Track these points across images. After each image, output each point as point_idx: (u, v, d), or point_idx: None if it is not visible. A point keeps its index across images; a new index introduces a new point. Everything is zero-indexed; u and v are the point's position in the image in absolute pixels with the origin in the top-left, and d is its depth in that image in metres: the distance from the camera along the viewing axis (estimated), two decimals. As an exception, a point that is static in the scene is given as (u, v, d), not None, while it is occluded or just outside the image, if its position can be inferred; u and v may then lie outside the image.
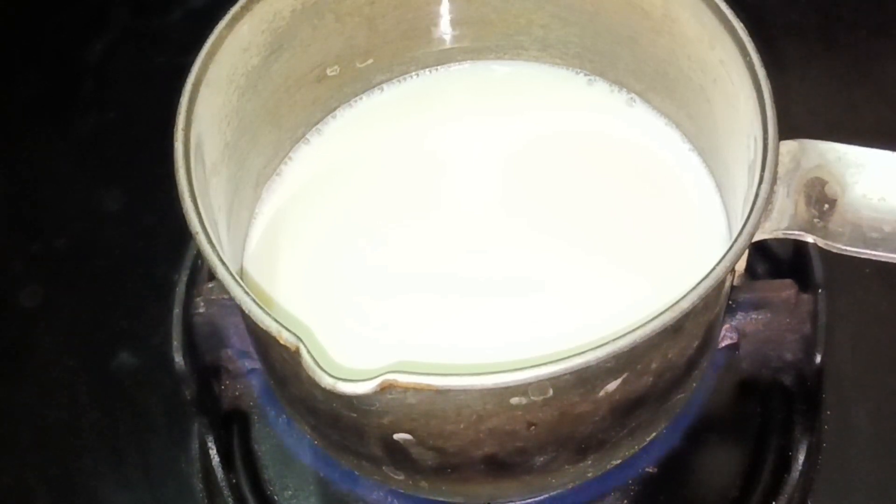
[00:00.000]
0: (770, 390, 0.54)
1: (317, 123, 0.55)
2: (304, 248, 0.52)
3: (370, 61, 0.54)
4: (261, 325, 0.38)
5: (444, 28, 0.55)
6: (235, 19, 0.46)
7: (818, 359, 0.52)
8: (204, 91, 0.45)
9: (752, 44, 0.45)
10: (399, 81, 0.56)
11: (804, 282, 0.53)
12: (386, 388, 0.36)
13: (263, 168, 0.53)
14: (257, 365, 0.53)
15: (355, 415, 0.40)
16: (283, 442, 0.55)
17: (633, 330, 0.38)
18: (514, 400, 0.39)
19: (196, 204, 0.42)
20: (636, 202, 0.53)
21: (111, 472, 0.58)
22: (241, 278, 0.47)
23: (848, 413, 0.56)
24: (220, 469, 0.53)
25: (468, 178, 0.55)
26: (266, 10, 0.47)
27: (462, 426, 0.40)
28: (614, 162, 0.54)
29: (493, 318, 0.49)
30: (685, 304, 0.38)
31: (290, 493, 0.54)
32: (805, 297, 0.52)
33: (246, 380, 0.55)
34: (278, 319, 0.38)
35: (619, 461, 0.47)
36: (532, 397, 0.39)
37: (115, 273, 0.64)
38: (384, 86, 0.56)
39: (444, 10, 0.54)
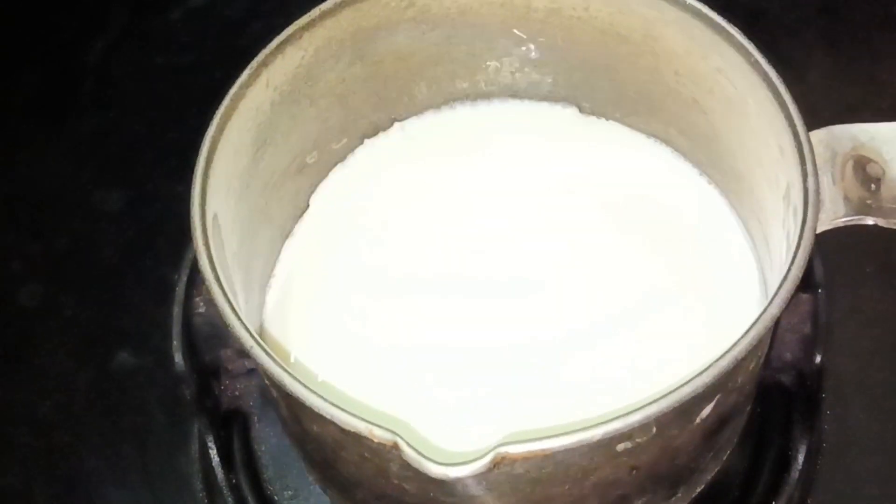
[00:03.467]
0: (770, 390, 0.54)
1: (300, 216, 0.54)
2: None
3: (344, 141, 0.54)
4: (349, 428, 0.36)
5: (413, 92, 0.54)
6: (224, 120, 0.45)
7: (818, 359, 0.52)
8: (211, 202, 0.43)
9: (752, 44, 0.44)
10: (373, 141, 0.56)
11: (804, 282, 0.53)
12: (498, 463, 0.35)
13: (262, 269, 0.52)
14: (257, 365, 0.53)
15: (456, 499, 0.39)
16: (283, 442, 0.55)
17: (734, 346, 0.37)
18: (621, 446, 0.38)
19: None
20: (640, 227, 0.52)
21: (111, 472, 0.58)
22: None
23: (848, 413, 0.56)
24: (220, 469, 0.53)
25: (465, 237, 0.53)
26: (249, 106, 0.46)
27: (567, 486, 0.39)
28: (605, 188, 0.54)
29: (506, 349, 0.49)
30: (774, 310, 0.38)
31: (290, 493, 0.54)
32: (805, 297, 0.52)
33: (246, 380, 0.55)
34: (366, 418, 0.36)
35: (701, 486, 0.48)
36: (637, 439, 0.38)
37: (115, 273, 0.64)
38: (356, 157, 0.55)
39: (412, 73, 0.54)
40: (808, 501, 0.54)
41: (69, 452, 0.58)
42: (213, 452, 0.53)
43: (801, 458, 0.52)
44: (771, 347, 0.53)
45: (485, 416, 0.47)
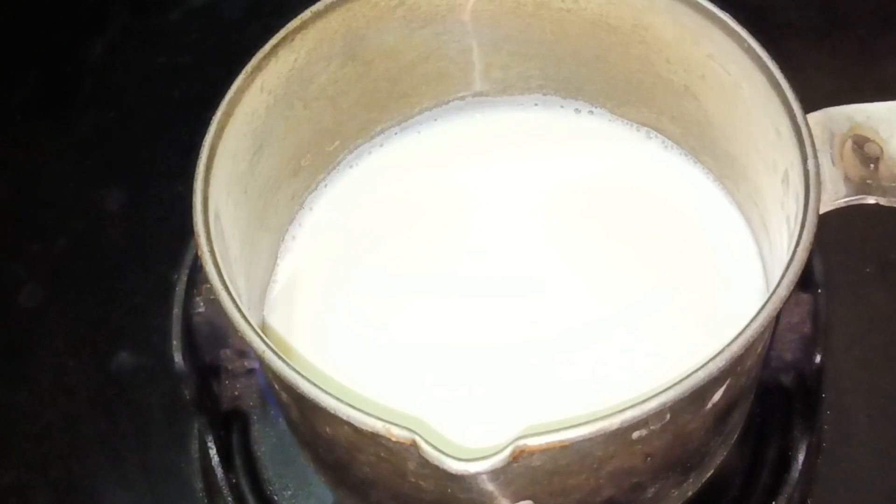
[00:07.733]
0: (770, 390, 0.54)
1: (296, 219, 0.54)
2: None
3: (337, 143, 0.54)
4: (366, 428, 0.36)
5: (404, 90, 0.54)
6: (222, 126, 0.45)
7: (818, 359, 0.52)
8: (212, 208, 0.43)
9: (745, 29, 0.45)
10: (368, 153, 0.56)
11: (804, 282, 0.53)
12: (517, 456, 0.35)
13: (262, 273, 0.52)
14: (256, 365, 0.53)
15: (473, 494, 0.39)
16: (283, 442, 0.55)
17: (745, 329, 0.38)
18: (636, 434, 0.38)
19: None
20: (637, 218, 0.53)
21: (111, 472, 0.58)
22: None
23: (848, 413, 0.56)
24: (219, 469, 0.53)
25: (463, 236, 0.53)
26: (245, 111, 0.46)
27: (584, 476, 0.39)
28: (602, 185, 0.54)
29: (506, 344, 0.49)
30: (783, 292, 0.38)
31: (290, 493, 0.54)
32: (805, 297, 0.52)
33: (246, 380, 0.55)
34: (383, 417, 0.36)
35: (711, 472, 0.48)
36: (651, 426, 0.38)
37: (115, 273, 0.64)
38: (353, 162, 0.55)
39: (403, 72, 0.53)
40: (808, 501, 0.54)
41: (69, 452, 0.58)
42: (213, 452, 0.53)
43: (801, 458, 0.52)
44: (771, 347, 0.53)
45: (483, 415, 0.47)
